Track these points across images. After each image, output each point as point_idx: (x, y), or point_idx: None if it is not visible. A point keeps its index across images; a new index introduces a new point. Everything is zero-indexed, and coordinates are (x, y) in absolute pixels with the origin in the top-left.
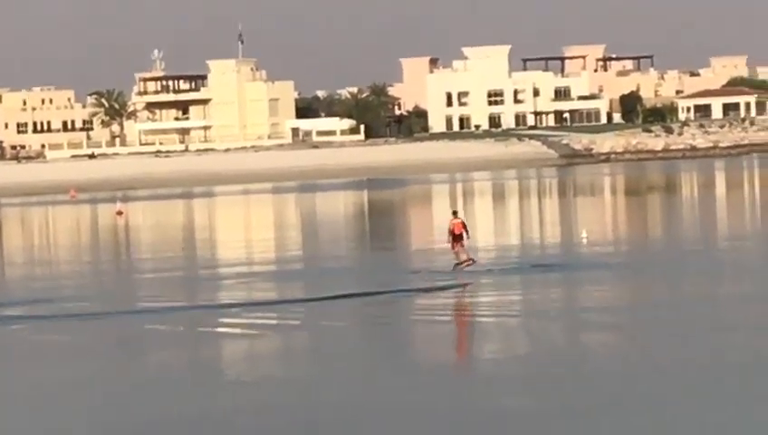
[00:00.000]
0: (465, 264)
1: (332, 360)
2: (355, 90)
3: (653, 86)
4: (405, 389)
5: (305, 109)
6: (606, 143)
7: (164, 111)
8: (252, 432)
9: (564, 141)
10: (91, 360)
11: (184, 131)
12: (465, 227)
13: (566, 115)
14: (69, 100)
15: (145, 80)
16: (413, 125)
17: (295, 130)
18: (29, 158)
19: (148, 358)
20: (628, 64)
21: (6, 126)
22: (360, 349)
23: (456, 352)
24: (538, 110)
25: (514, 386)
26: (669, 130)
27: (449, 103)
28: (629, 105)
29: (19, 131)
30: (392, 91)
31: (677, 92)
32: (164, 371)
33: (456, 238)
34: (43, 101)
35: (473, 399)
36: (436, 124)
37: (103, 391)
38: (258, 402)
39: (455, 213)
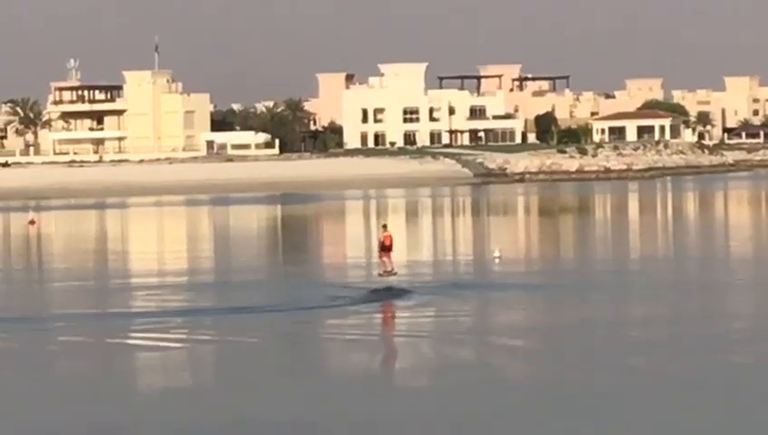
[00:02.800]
0: (390, 273)
1: (233, 372)
2: (271, 104)
3: (568, 107)
4: (297, 401)
5: (220, 122)
6: (520, 163)
7: (79, 121)
8: None
9: (479, 160)
10: None
11: (98, 142)
12: (391, 240)
13: (481, 134)
14: None
15: (60, 89)
16: (328, 141)
17: (210, 143)
18: None
19: (47, 366)
20: (544, 85)
21: None
22: (262, 363)
23: (356, 368)
24: (453, 128)
25: (411, 401)
26: (584, 152)
27: (365, 120)
28: (544, 125)
29: None
30: (308, 106)
31: (593, 114)
32: (65, 379)
33: (384, 249)
34: None
35: (365, 410)
36: (352, 140)
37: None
38: (151, 414)
39: (384, 226)
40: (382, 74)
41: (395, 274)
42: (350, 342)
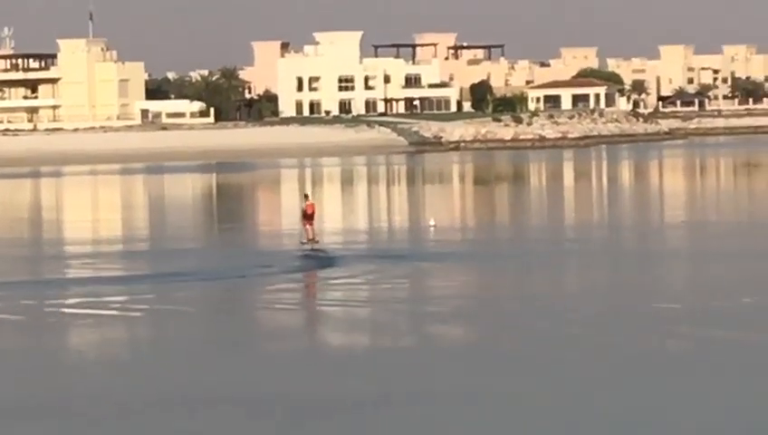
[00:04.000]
0: (312, 242)
1: (163, 343)
2: (206, 72)
3: (503, 76)
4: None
5: (155, 90)
6: (455, 132)
7: (13, 90)
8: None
9: (414, 129)
10: None
11: (33, 110)
12: (314, 208)
13: (416, 103)
14: None
15: None
16: (263, 109)
17: (145, 112)
18: None
19: None
20: (479, 54)
21: None
22: (191, 333)
23: (288, 339)
24: (388, 96)
25: (340, 373)
26: (519, 120)
27: (300, 88)
28: (480, 94)
29: None
30: (243, 74)
31: (527, 83)
32: None
33: (307, 217)
34: None
35: (297, 385)
36: (287, 109)
37: None
38: (84, 386)
39: (306, 196)
40: (317, 43)
41: (317, 242)
42: (276, 310)
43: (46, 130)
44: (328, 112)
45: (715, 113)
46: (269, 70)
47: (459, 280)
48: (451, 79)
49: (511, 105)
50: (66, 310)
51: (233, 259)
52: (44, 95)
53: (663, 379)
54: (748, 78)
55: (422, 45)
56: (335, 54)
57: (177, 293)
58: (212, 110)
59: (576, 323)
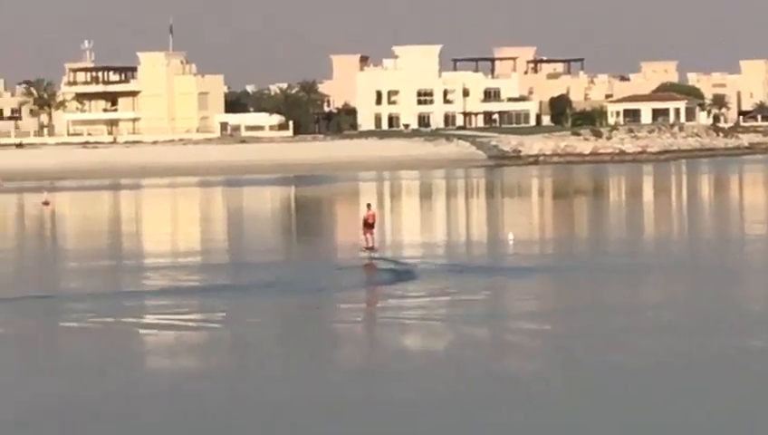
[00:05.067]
0: (371, 250)
1: (248, 353)
2: (285, 85)
3: (583, 90)
4: (316, 384)
5: (234, 103)
6: (534, 145)
7: (93, 102)
8: (161, 420)
9: (493, 143)
10: (7, 345)
11: (112, 123)
12: (375, 218)
13: (495, 116)
14: None
15: (74, 70)
16: (342, 122)
17: (224, 125)
18: None
19: (64, 343)
20: (559, 67)
21: None
22: (277, 344)
23: (371, 350)
24: (467, 110)
25: (427, 383)
26: (598, 134)
27: (379, 101)
28: (559, 108)
29: None
30: (322, 88)
31: (607, 96)
32: (79, 357)
33: (368, 226)
34: None
35: (379, 392)
36: (366, 122)
37: (13, 376)
38: (170, 393)
39: (368, 205)
40: (396, 56)
41: (376, 250)
42: (355, 324)
43: (126, 142)
44: (407, 126)
45: None
46: (348, 83)
47: (537, 294)
48: (530, 93)
49: (590, 119)
50: (146, 320)
51: (311, 271)
52: (124, 108)
53: None
54: None
55: (501, 59)
56: (414, 68)
57: (254, 305)
58: (291, 123)
59: (675, 339)
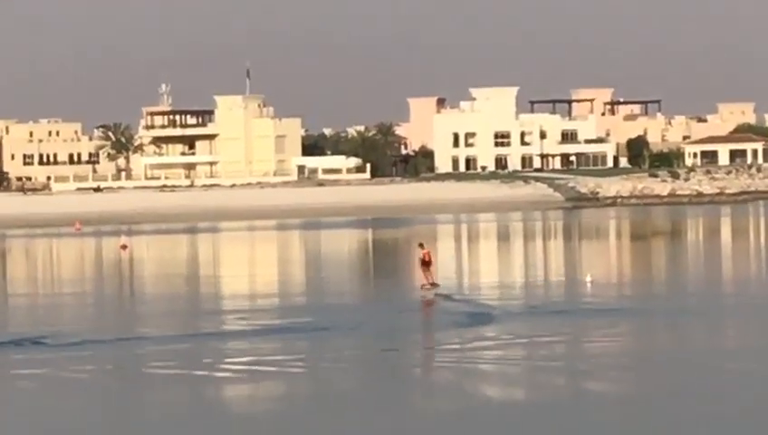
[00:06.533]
0: (432, 286)
1: (328, 398)
2: (362, 128)
3: (660, 131)
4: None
5: (311, 146)
6: (612, 187)
7: (170, 146)
8: None
9: (570, 184)
10: (87, 391)
11: (190, 166)
12: (430, 256)
13: (572, 158)
14: (75, 132)
15: (152, 114)
16: (419, 165)
17: (301, 168)
18: (34, 190)
19: (146, 389)
20: (636, 109)
21: (13, 157)
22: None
23: (449, 395)
24: (544, 152)
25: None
26: (676, 176)
27: (456, 144)
28: (636, 149)
29: (25, 163)
30: (399, 130)
31: (684, 138)
32: (164, 405)
33: (425, 264)
34: (49, 133)
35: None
36: (443, 164)
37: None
38: None
39: (421, 245)
40: (473, 98)
41: (436, 286)
42: (440, 369)
43: (203, 186)
44: (484, 168)
45: None
46: (425, 126)
47: (618, 337)
48: (607, 134)
49: (667, 161)
50: (225, 365)
51: (389, 314)
52: (201, 151)
53: None
54: None
55: (578, 101)
56: (491, 110)
57: (331, 346)
58: (368, 165)
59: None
